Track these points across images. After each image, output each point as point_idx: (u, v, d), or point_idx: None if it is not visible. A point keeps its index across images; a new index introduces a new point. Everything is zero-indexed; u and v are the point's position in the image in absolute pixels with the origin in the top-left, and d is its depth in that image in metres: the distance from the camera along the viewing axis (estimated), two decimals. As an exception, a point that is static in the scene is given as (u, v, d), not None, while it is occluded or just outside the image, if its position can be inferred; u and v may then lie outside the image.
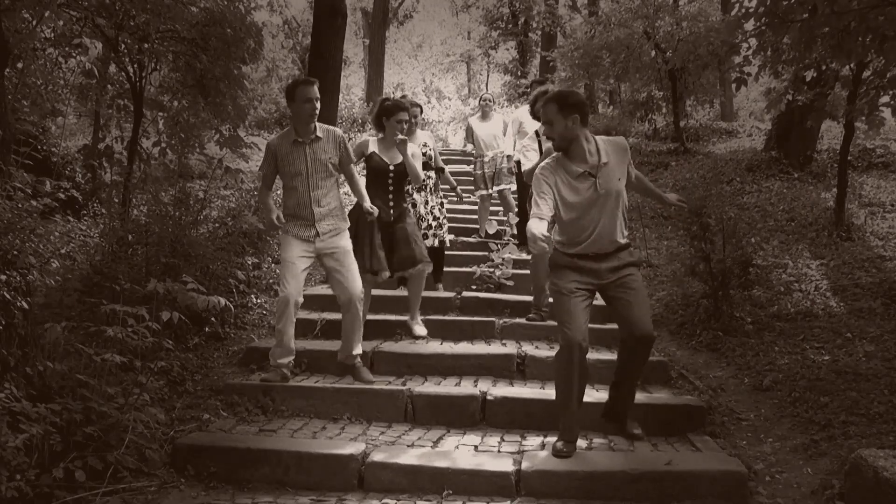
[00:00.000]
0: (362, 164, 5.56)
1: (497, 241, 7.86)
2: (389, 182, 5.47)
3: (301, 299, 4.72)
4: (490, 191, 8.56)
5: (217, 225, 6.48)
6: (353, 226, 5.01)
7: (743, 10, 5.24)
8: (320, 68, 8.61)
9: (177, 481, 3.62)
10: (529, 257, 7.50)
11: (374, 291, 5.74)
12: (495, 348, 5.46)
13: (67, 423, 3.41)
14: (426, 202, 6.38)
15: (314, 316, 5.71)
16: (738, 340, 5.57)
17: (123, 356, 3.71)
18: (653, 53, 12.77)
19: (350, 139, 10.76)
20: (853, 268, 6.91)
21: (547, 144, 5.83)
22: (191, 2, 6.69)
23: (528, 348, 5.42)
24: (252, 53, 7.33)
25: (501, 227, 8.60)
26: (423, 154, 6.32)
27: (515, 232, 8.26)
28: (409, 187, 6.10)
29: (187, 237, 5.68)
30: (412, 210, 6.03)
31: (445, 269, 6.81)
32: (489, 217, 8.73)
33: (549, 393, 4.66)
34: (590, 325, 3.92)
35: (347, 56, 20.94)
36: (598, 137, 3.88)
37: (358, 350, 4.84)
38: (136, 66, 7.00)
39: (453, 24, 32.79)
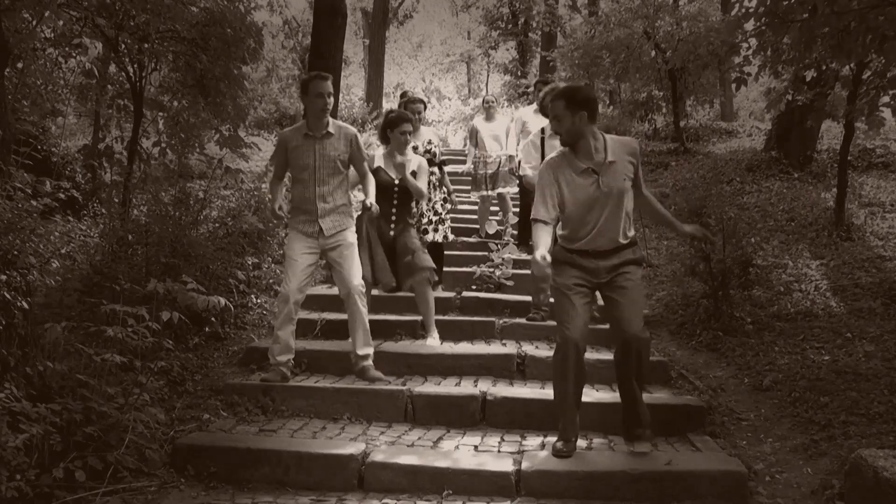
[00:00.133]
0: None
1: (497, 242, 7.86)
2: (394, 197, 5.45)
3: (301, 297, 4.72)
4: (490, 192, 8.55)
5: (217, 225, 6.48)
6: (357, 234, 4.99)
7: (743, 10, 5.24)
8: (320, 68, 8.54)
9: (177, 481, 3.62)
10: (529, 257, 7.53)
11: (374, 291, 5.73)
12: (495, 348, 5.46)
13: (67, 423, 3.41)
14: (429, 199, 6.35)
15: (314, 316, 5.71)
16: (738, 340, 5.57)
17: (123, 356, 3.71)
18: (653, 53, 12.77)
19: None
20: (853, 268, 6.91)
21: (548, 152, 5.84)
22: (191, 2, 6.68)
23: (528, 348, 5.42)
24: (252, 53, 7.33)
25: (501, 228, 8.62)
26: (428, 151, 6.32)
27: (515, 232, 8.27)
28: (433, 176, 6.06)
29: (187, 237, 5.68)
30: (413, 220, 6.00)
31: (445, 269, 6.81)
32: (489, 217, 8.74)
33: (549, 393, 4.65)
34: (591, 325, 3.92)
35: (347, 56, 20.96)
36: (608, 136, 3.87)
37: (363, 350, 4.78)
38: (136, 66, 7.00)
39: (453, 24, 32.81)
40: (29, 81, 7.43)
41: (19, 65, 7.01)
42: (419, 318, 5.73)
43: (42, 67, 7.63)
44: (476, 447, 4.06)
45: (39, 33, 6.85)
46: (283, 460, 3.72)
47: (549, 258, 3.63)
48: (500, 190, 8.54)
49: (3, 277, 3.84)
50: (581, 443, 4.06)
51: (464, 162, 9.43)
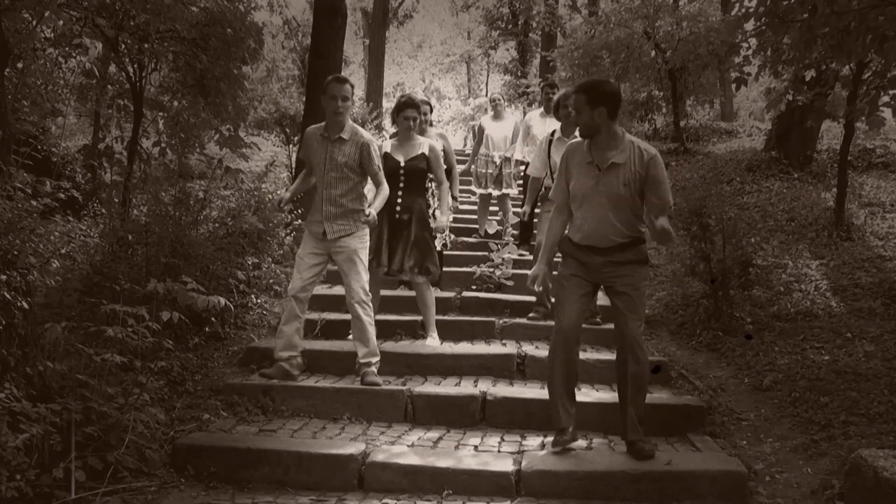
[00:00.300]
0: None
1: (497, 241, 7.86)
2: (400, 180, 5.45)
3: (305, 295, 4.74)
4: (491, 191, 8.54)
5: (217, 225, 6.47)
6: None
7: (743, 10, 5.24)
8: (320, 68, 8.60)
9: (177, 481, 3.62)
10: (530, 257, 7.52)
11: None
12: (495, 348, 5.46)
13: (67, 423, 3.41)
14: (428, 205, 6.34)
15: (314, 316, 5.70)
16: (738, 340, 5.57)
17: (123, 356, 3.70)
18: (653, 53, 12.76)
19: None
20: (853, 268, 6.91)
21: (554, 156, 5.84)
22: (191, 2, 6.68)
23: (528, 348, 5.42)
24: (252, 53, 7.32)
25: (501, 228, 8.61)
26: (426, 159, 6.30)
27: (515, 232, 8.26)
28: (432, 185, 6.05)
29: (187, 237, 5.67)
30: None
31: (445, 269, 6.80)
32: (489, 217, 8.73)
33: (549, 393, 4.67)
34: (591, 326, 3.93)
35: (347, 56, 20.93)
36: (631, 139, 3.86)
37: (365, 358, 4.74)
38: (136, 66, 7.00)
39: (453, 24, 32.77)
40: (29, 81, 7.43)
41: (19, 65, 7.01)
42: (419, 318, 5.73)
43: (42, 67, 7.63)
44: (476, 447, 4.06)
45: (39, 33, 6.84)
46: (283, 460, 3.72)
47: (541, 276, 3.89)
48: (502, 191, 8.54)
49: (3, 277, 3.84)
50: (581, 442, 4.07)
51: (465, 161, 9.42)
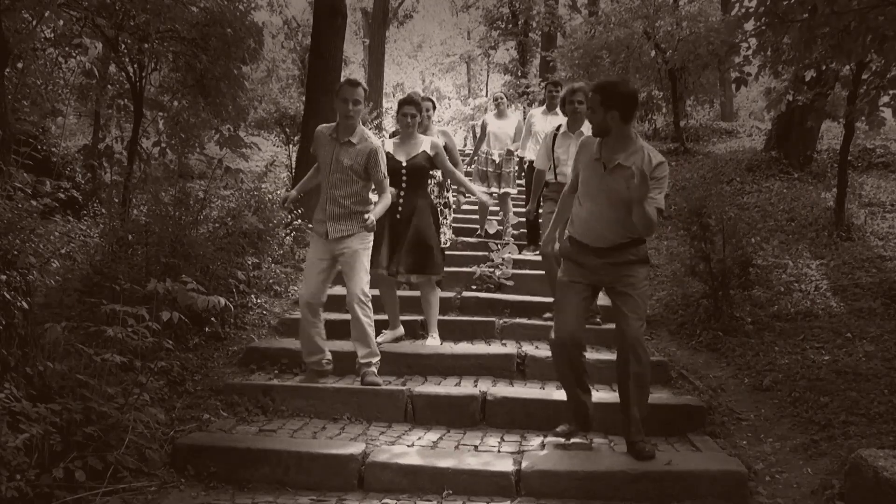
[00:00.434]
0: None
1: (497, 241, 7.86)
2: (402, 180, 5.45)
3: (316, 301, 4.76)
4: (493, 190, 8.53)
5: (217, 225, 6.47)
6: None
7: (743, 10, 5.24)
8: (320, 68, 8.60)
9: (177, 481, 3.62)
10: (531, 257, 7.52)
11: (373, 291, 5.71)
12: (495, 348, 5.46)
13: (67, 423, 3.41)
14: (431, 203, 6.32)
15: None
16: (738, 340, 5.57)
17: (123, 356, 3.70)
18: (653, 53, 12.76)
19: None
20: (853, 268, 6.91)
21: (558, 151, 5.84)
22: (191, 2, 6.68)
23: (528, 348, 5.42)
24: (252, 53, 7.32)
25: (501, 228, 8.61)
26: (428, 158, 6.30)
27: (515, 232, 8.27)
28: (432, 180, 6.05)
29: (187, 237, 5.67)
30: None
31: (445, 269, 6.78)
32: (489, 217, 8.73)
33: (549, 393, 4.68)
34: (591, 326, 3.95)
35: (347, 56, 20.90)
36: (643, 144, 3.86)
37: (365, 358, 4.75)
38: (136, 66, 7.00)
39: (453, 24, 32.76)
40: (29, 81, 7.43)
41: (19, 65, 7.01)
42: (419, 317, 5.74)
43: (42, 67, 7.63)
44: (476, 447, 4.06)
45: (39, 33, 6.85)
46: (283, 460, 3.72)
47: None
48: (503, 190, 8.54)
49: (3, 277, 3.84)
50: (581, 442, 4.08)
51: (465, 160, 9.42)
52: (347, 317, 4.85)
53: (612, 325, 4.11)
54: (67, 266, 5.40)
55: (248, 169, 9.29)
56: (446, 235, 6.49)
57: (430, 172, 5.68)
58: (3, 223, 4.02)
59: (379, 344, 5.02)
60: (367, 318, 4.72)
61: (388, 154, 5.41)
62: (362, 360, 4.74)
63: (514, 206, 8.88)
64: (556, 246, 4.22)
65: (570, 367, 3.94)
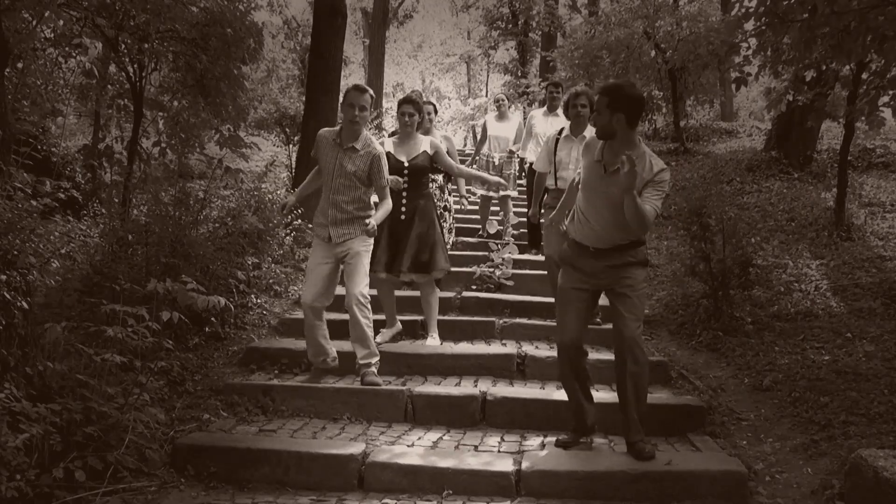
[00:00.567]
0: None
1: (497, 241, 7.86)
2: (404, 179, 5.45)
3: (319, 305, 4.78)
4: (491, 194, 8.53)
5: (217, 225, 6.47)
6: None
7: (743, 10, 5.24)
8: (320, 68, 8.61)
9: (177, 481, 3.62)
10: (532, 257, 7.53)
11: (373, 291, 5.71)
12: (495, 348, 5.46)
13: (67, 423, 3.41)
14: (434, 202, 6.31)
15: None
16: (738, 340, 5.57)
17: (123, 356, 3.70)
18: (653, 53, 12.76)
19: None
20: (853, 268, 6.91)
21: (560, 154, 5.84)
22: (191, 2, 6.68)
23: (528, 348, 5.42)
24: (252, 53, 7.32)
25: (501, 228, 8.61)
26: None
27: (515, 233, 8.26)
28: (433, 184, 6.05)
29: (187, 237, 5.67)
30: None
31: (445, 268, 6.79)
32: (490, 217, 8.73)
33: (549, 393, 4.68)
34: (591, 326, 3.95)
35: (347, 56, 20.90)
36: (647, 150, 3.87)
37: (365, 359, 4.76)
38: (136, 66, 7.00)
39: (453, 24, 32.77)
40: (29, 81, 7.43)
41: (19, 65, 7.01)
42: (419, 317, 5.74)
43: (42, 67, 7.63)
44: (476, 447, 4.06)
45: (39, 33, 6.84)
46: (283, 460, 3.72)
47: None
48: (502, 192, 8.52)
49: (3, 277, 3.84)
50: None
51: (465, 161, 9.42)
52: (347, 317, 4.85)
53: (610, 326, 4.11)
54: (67, 266, 5.40)
55: (248, 169, 9.29)
56: (449, 237, 6.50)
57: (432, 176, 5.68)
58: (3, 223, 4.01)
59: (378, 344, 5.02)
60: (366, 320, 4.72)
61: (388, 154, 5.41)
62: (362, 361, 4.75)
63: (515, 207, 8.88)
64: (566, 224, 4.21)
65: (572, 370, 3.97)
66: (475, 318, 6.00)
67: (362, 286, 4.71)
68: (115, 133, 8.34)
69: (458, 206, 6.80)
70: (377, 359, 4.80)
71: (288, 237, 7.19)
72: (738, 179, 10.35)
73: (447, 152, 6.10)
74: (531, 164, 7.38)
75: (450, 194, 6.62)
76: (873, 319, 5.78)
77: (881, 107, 5.74)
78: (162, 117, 7.76)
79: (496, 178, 6.01)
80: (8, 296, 3.78)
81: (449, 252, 6.74)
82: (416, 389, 4.57)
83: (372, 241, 4.84)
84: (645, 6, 13.10)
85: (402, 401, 4.48)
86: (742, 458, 3.92)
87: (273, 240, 6.96)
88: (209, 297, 4.07)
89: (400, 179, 5.36)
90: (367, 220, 4.63)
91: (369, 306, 4.75)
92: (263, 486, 3.66)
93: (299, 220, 7.20)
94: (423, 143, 5.53)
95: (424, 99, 6.58)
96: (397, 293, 6.30)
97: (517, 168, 8.65)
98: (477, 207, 8.97)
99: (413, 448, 3.99)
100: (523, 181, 8.62)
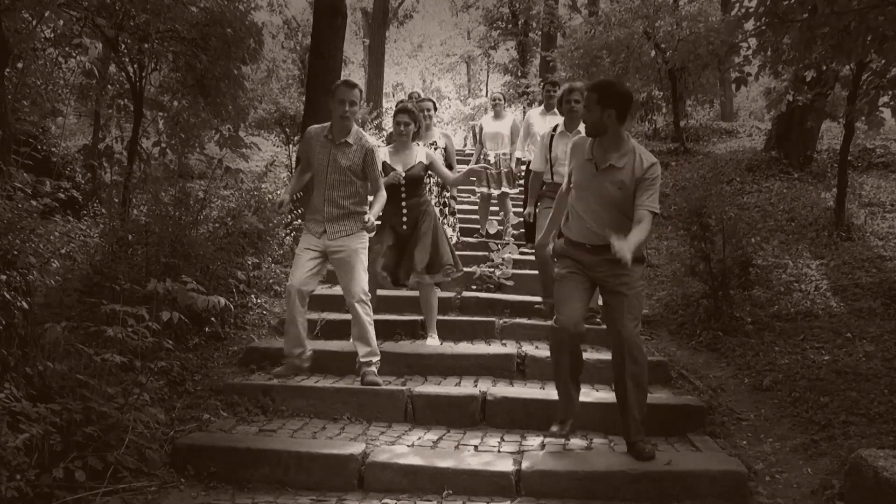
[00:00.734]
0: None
1: (497, 241, 7.86)
2: (402, 190, 5.44)
3: (306, 289, 4.73)
4: (492, 190, 8.53)
5: (217, 225, 6.47)
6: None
7: (743, 10, 5.24)
8: (320, 68, 8.60)
9: (177, 481, 3.62)
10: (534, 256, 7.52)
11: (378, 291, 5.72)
12: (495, 348, 5.46)
13: (67, 423, 3.41)
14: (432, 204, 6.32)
15: (314, 316, 5.69)
16: (738, 340, 5.57)
17: (123, 356, 3.70)
18: (653, 53, 12.76)
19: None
20: (853, 268, 6.91)
21: (556, 151, 5.84)
22: (191, 2, 6.68)
23: (528, 348, 5.42)
24: (252, 53, 7.32)
25: (501, 228, 8.61)
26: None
27: (515, 232, 8.26)
28: (431, 182, 6.04)
29: (187, 237, 5.68)
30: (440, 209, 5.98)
31: (445, 269, 6.79)
32: (490, 217, 8.73)
33: (549, 393, 4.66)
34: (592, 326, 3.94)
35: (347, 56, 20.91)
36: (635, 145, 3.86)
37: (366, 357, 4.75)
38: (136, 66, 7.00)
39: (453, 24, 32.75)
40: (29, 81, 7.43)
41: (19, 65, 7.01)
42: (419, 318, 5.74)
43: (42, 67, 7.63)
44: (476, 447, 4.06)
45: (39, 33, 6.84)
46: (283, 460, 3.72)
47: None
48: (501, 190, 8.53)
49: (3, 277, 3.84)
50: (581, 442, 4.08)
51: (467, 161, 9.42)
52: (347, 317, 4.85)
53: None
54: (67, 266, 5.40)
55: (248, 169, 9.29)
56: (453, 234, 6.50)
57: (429, 173, 5.67)
58: (3, 223, 4.02)
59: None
60: (368, 317, 4.73)
61: (384, 164, 5.40)
62: (362, 360, 4.74)
63: (515, 207, 8.87)
64: (551, 248, 4.22)
65: (569, 356, 3.90)
66: (475, 318, 5.99)
67: (363, 283, 4.72)
68: (115, 133, 8.33)
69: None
70: (378, 358, 4.80)
71: (288, 237, 7.19)
72: (738, 179, 10.35)
73: (446, 150, 6.11)
74: (528, 163, 7.38)
75: (448, 190, 6.61)
76: (873, 319, 5.79)
77: (881, 107, 5.74)
78: (162, 117, 7.76)
79: (480, 165, 5.98)
80: (8, 296, 3.78)
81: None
82: (416, 389, 4.57)
83: (366, 238, 4.85)
84: (645, 6, 13.09)
85: (402, 401, 4.48)
86: (742, 458, 3.92)
87: (273, 240, 6.96)
88: (209, 297, 4.08)
89: (401, 174, 5.35)
90: (365, 217, 4.64)
91: (370, 304, 4.77)
92: (263, 486, 3.66)
93: (299, 220, 7.20)
94: (419, 154, 5.52)
95: (424, 97, 6.57)
96: (397, 293, 6.31)
97: (515, 167, 8.64)
98: (476, 207, 8.97)
99: (413, 448, 3.99)
100: (524, 181, 8.61)
